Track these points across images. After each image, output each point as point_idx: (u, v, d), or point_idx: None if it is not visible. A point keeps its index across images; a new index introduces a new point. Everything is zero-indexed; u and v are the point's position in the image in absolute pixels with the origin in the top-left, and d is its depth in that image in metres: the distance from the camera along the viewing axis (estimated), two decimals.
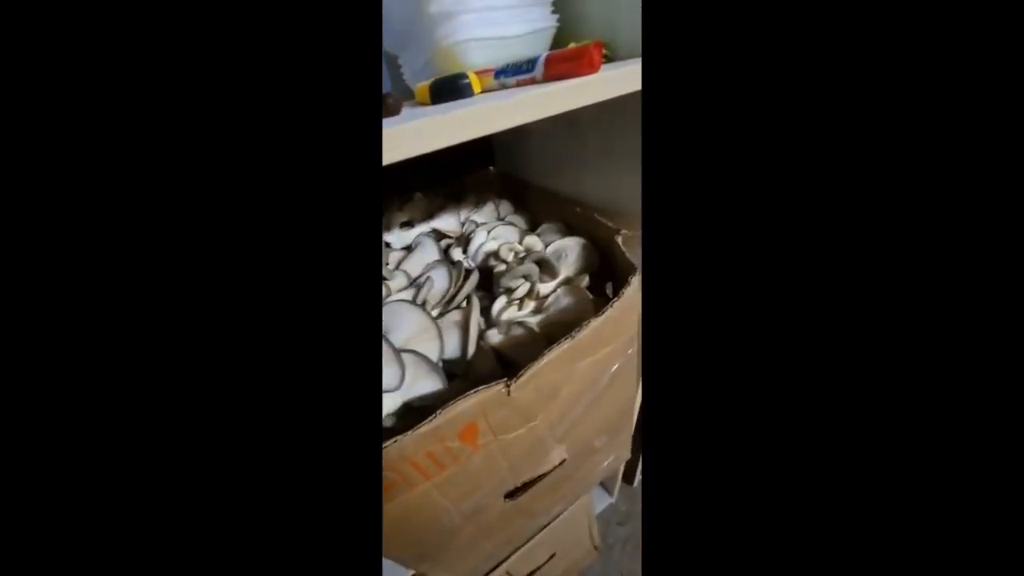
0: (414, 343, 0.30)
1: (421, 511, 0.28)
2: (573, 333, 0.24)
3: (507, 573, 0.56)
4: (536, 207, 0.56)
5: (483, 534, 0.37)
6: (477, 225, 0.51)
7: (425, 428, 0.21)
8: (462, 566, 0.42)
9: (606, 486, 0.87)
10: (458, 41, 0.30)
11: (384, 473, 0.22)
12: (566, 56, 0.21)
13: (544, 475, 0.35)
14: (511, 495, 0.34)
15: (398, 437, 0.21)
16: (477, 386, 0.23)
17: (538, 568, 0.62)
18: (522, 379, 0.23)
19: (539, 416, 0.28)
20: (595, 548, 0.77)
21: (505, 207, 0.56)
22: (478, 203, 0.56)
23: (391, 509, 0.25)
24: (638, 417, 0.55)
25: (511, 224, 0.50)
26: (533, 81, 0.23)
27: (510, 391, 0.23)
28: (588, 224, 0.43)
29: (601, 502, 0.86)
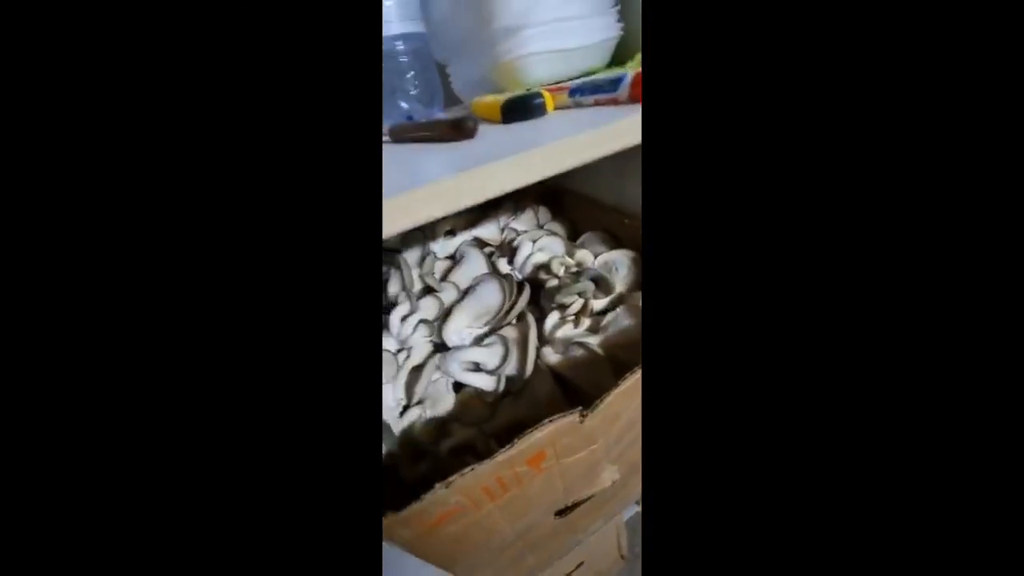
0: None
1: (480, 531, 0.28)
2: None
3: None
4: (575, 215, 0.55)
5: (529, 549, 0.37)
6: (518, 233, 0.50)
7: (502, 457, 0.21)
8: None
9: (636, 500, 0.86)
10: (521, 56, 0.29)
11: (456, 498, 0.22)
12: None
13: (594, 494, 0.34)
14: (561, 513, 0.34)
15: (475, 465, 0.21)
16: (533, 407, 0.22)
17: None
18: (596, 411, 0.23)
19: (600, 440, 0.28)
20: (621, 557, 0.76)
21: (544, 214, 0.55)
22: (516, 210, 0.55)
23: (454, 531, 0.25)
24: None
25: (554, 234, 0.49)
26: (614, 102, 0.22)
27: (584, 421, 0.23)
28: (638, 236, 0.42)
29: (629, 510, 0.85)
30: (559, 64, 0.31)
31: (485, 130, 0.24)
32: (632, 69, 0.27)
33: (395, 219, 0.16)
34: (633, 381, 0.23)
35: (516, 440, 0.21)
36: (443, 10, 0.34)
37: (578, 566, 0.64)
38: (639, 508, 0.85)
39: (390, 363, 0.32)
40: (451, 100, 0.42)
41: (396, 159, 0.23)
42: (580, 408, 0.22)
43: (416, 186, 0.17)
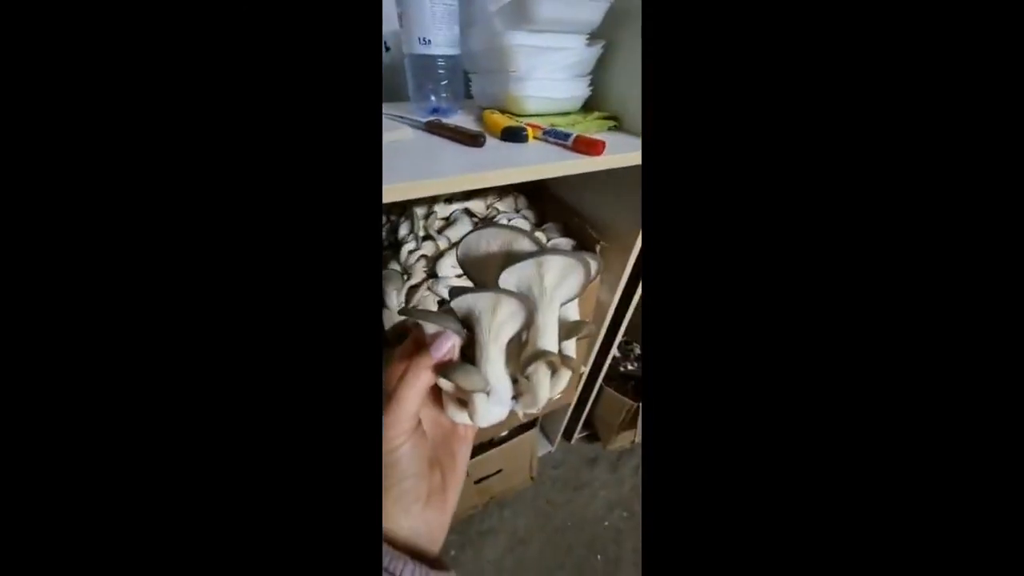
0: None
1: None
2: None
3: (466, 472, 0.75)
4: (545, 207, 0.71)
5: None
6: (499, 212, 0.66)
7: None
8: None
9: (549, 438, 1.08)
10: (523, 95, 0.45)
11: None
12: (588, 142, 0.37)
13: None
14: None
15: None
16: None
17: (487, 476, 0.82)
18: None
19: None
20: (531, 478, 0.98)
21: (521, 201, 0.71)
22: (501, 194, 0.71)
23: None
24: (585, 373, 0.74)
25: (525, 218, 0.65)
26: (564, 146, 0.38)
27: None
28: (580, 231, 0.60)
29: (542, 449, 1.08)
30: (547, 105, 0.47)
31: (489, 142, 0.39)
32: (582, 128, 0.43)
33: (426, 190, 0.31)
34: None
35: None
36: (477, 45, 0.48)
37: (497, 471, 0.83)
38: (551, 449, 1.07)
39: (396, 279, 0.48)
40: (468, 95, 0.56)
41: (432, 148, 0.38)
42: None
43: (444, 175, 0.32)
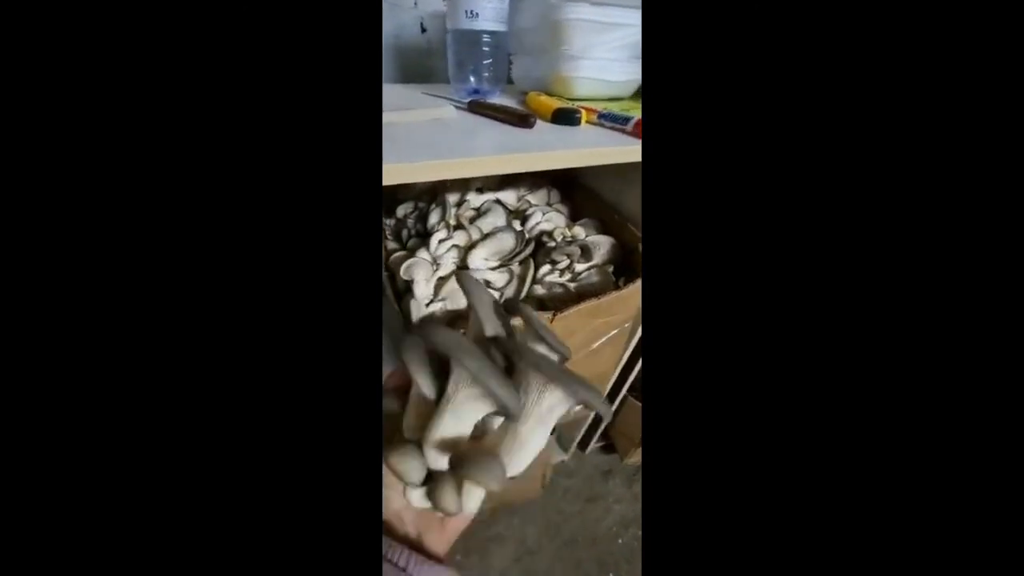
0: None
1: None
2: (599, 296, 0.37)
3: None
4: (579, 202, 0.67)
5: None
6: (531, 205, 0.62)
7: None
8: None
9: (563, 447, 1.04)
10: (575, 76, 0.41)
11: None
12: None
13: None
14: None
15: None
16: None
17: None
18: (562, 314, 0.36)
19: None
20: (543, 487, 0.94)
21: (554, 195, 0.68)
22: (533, 187, 0.67)
23: None
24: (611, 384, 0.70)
25: (558, 211, 0.62)
26: (622, 131, 0.35)
27: (553, 320, 0.36)
28: (620, 229, 0.56)
29: (556, 457, 1.03)
30: (599, 88, 0.43)
31: (538, 124, 0.36)
32: (637, 115, 0.39)
33: (472, 169, 0.27)
34: (588, 305, 0.37)
35: None
36: (525, 22, 0.45)
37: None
38: (564, 458, 1.03)
39: (426, 268, 0.45)
40: (508, 80, 0.53)
41: (477, 128, 0.35)
42: (553, 311, 0.36)
43: (492, 154, 0.28)
